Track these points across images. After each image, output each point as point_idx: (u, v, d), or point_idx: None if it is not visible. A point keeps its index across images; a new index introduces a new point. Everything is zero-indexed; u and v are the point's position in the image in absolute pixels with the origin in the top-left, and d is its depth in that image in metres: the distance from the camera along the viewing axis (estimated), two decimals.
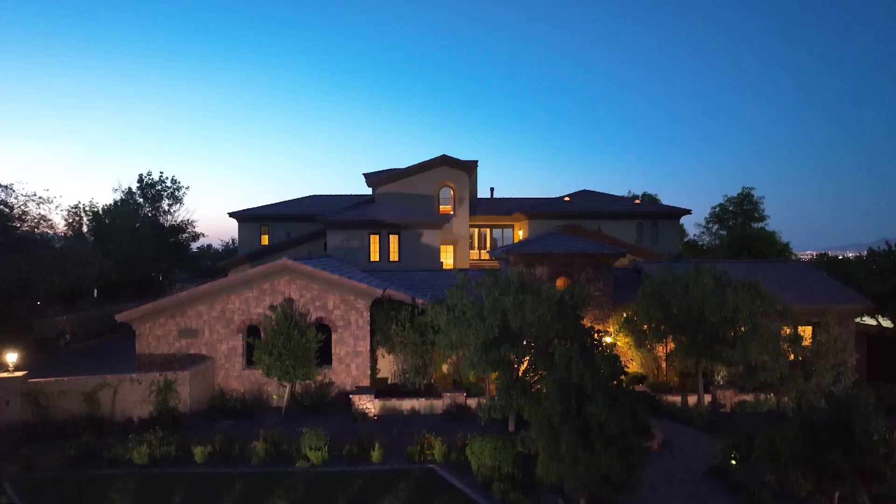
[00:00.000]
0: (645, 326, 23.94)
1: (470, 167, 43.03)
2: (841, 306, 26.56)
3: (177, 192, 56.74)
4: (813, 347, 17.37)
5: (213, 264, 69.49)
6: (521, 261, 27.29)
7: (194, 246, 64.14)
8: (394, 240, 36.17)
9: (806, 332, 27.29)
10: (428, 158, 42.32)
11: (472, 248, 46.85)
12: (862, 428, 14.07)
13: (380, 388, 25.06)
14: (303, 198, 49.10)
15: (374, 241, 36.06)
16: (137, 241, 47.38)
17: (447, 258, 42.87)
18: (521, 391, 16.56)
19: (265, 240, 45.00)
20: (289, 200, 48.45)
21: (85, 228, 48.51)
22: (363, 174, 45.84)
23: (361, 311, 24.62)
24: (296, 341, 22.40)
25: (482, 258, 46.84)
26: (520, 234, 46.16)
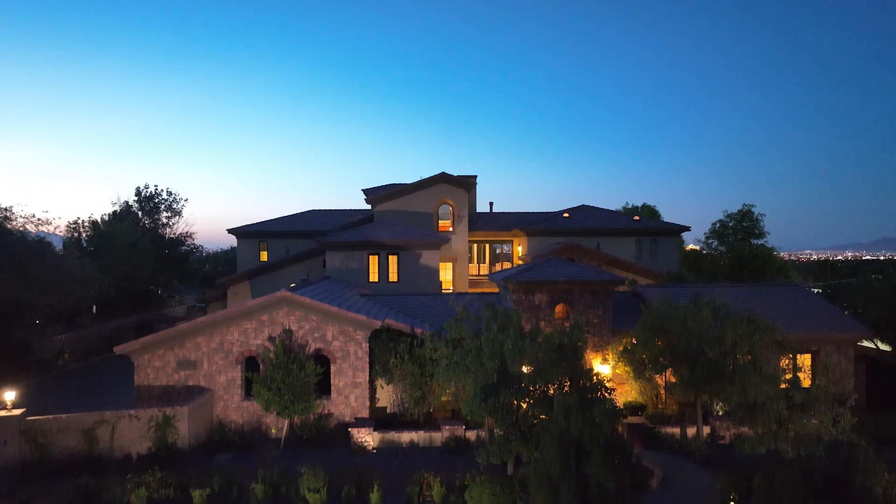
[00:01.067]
0: (644, 356, 23.94)
1: (469, 184, 43.03)
2: (840, 335, 26.58)
3: (175, 205, 56.79)
4: (812, 391, 17.37)
5: (214, 269, 69.09)
6: (519, 288, 27.26)
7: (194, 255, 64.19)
8: (393, 260, 36.15)
9: (805, 360, 27.38)
10: (428, 175, 42.38)
11: (471, 261, 46.77)
12: (860, 482, 14.06)
13: (379, 418, 25.06)
14: (301, 213, 49.06)
15: (373, 261, 36.05)
16: (136, 256, 47.33)
17: (446, 273, 42.86)
18: (520, 437, 16.56)
19: (264, 256, 44.96)
20: (287, 216, 48.39)
21: (84, 243, 48.40)
22: (362, 190, 45.85)
23: (360, 343, 24.59)
24: (294, 375, 22.38)
25: (481, 273, 46.87)
26: (519, 250, 46.16)
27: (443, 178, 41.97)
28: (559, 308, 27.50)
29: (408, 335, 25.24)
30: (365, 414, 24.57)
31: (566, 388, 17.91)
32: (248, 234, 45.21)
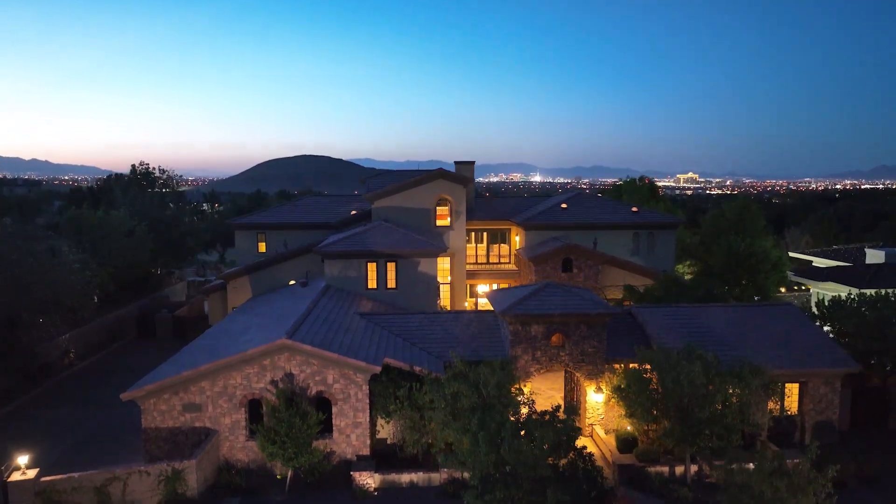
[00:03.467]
0: (636, 401, 24.65)
1: (467, 179, 42.74)
2: (828, 370, 27.27)
3: (170, 182, 56.49)
4: (794, 478, 18.11)
5: (211, 223, 68.39)
6: (516, 321, 27.73)
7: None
8: (391, 267, 36.39)
9: (792, 390, 28.16)
10: (425, 172, 42.17)
11: (469, 241, 46.21)
12: None
13: (379, 449, 26.06)
14: (298, 201, 48.96)
15: (372, 268, 36.30)
16: (134, 244, 47.51)
17: (444, 265, 43.09)
18: None
19: (262, 247, 45.10)
20: (284, 205, 48.39)
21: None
22: (360, 180, 45.72)
23: (361, 385, 25.21)
24: (297, 428, 23.08)
25: (479, 261, 47.19)
26: (517, 240, 46.31)
27: (440, 175, 41.71)
28: (555, 338, 28.05)
29: (407, 372, 25.88)
30: (366, 451, 25.48)
31: (561, 467, 18.64)
32: (246, 226, 45.21)
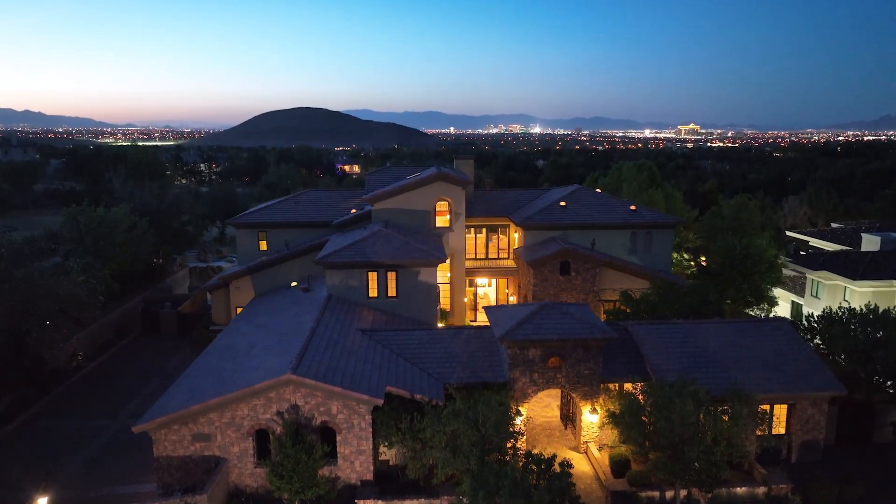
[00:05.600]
0: (629, 429, 25.56)
1: (466, 182, 42.81)
2: (817, 393, 28.13)
3: (166, 172, 56.45)
4: None
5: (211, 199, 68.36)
6: (514, 345, 28.45)
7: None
8: (392, 276, 36.88)
9: (781, 411, 29.10)
10: (425, 174, 42.23)
11: (468, 231, 46.18)
12: None
13: (382, 472, 27.11)
14: (298, 195, 49.08)
15: (373, 278, 36.78)
16: (136, 239, 47.90)
17: (445, 262, 43.54)
18: None
19: (263, 245, 45.47)
20: (284, 200, 48.50)
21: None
22: (357, 177, 45.69)
23: (363, 415, 26.08)
24: (304, 464, 24.02)
25: (478, 256, 47.65)
26: (515, 237, 46.67)
27: (440, 177, 41.84)
28: (552, 361, 28.84)
29: (408, 399, 26.73)
30: (369, 476, 26.53)
31: None
32: (247, 225, 45.49)
